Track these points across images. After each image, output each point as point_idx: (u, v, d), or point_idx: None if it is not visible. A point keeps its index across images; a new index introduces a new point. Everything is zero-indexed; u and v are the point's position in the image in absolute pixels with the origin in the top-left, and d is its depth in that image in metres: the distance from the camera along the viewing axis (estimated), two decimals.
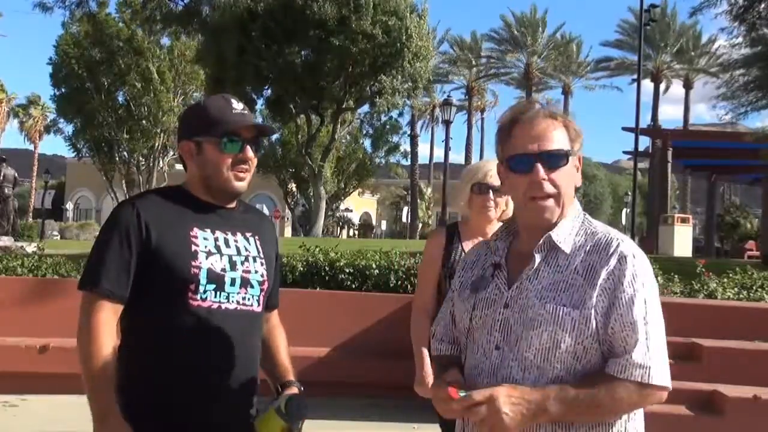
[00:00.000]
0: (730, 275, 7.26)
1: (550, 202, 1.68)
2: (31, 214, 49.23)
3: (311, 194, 31.08)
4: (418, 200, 50.12)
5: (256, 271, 2.04)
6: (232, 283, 1.97)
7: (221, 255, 1.97)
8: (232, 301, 1.97)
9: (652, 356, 1.57)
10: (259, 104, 28.69)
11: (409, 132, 38.71)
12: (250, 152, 2.01)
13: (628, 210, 34.98)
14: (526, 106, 1.74)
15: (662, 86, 50.23)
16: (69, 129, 38.54)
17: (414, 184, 49.95)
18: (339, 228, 49.85)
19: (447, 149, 22.74)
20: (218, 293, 1.94)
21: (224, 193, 2.03)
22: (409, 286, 6.81)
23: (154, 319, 1.92)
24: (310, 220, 30.01)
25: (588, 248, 1.66)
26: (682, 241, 22.52)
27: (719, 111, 14.30)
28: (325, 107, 27.93)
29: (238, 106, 2.03)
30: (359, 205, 58.05)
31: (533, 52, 49.63)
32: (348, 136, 33.93)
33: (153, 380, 1.91)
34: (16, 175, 17.24)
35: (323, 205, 29.86)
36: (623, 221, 45.38)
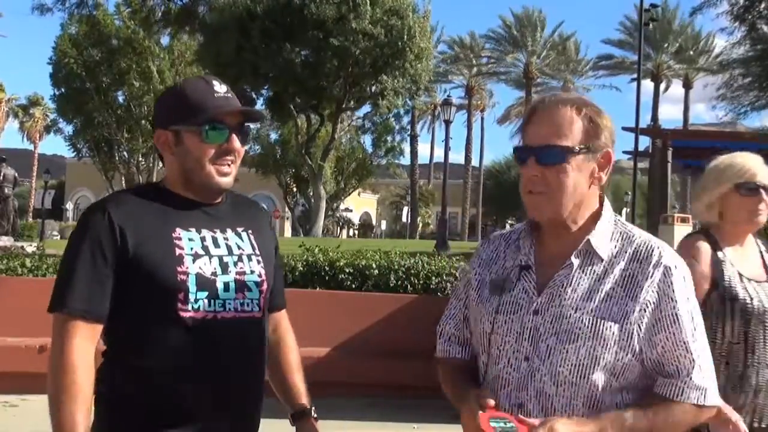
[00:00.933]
0: None
1: (541, 198, 1.57)
2: (31, 214, 49.23)
3: (311, 194, 31.10)
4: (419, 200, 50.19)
5: (253, 271, 1.80)
6: (226, 288, 1.73)
7: (210, 257, 1.74)
8: (229, 309, 1.73)
9: (705, 376, 1.51)
10: (259, 104, 28.75)
11: (408, 132, 38.63)
12: (236, 142, 1.76)
13: (628, 210, 34.96)
14: (549, 95, 1.63)
15: (662, 86, 50.30)
16: (69, 129, 38.62)
17: (414, 184, 49.99)
18: (339, 228, 49.86)
19: (447, 149, 22.73)
20: (212, 301, 1.71)
21: (207, 190, 1.78)
22: (408, 286, 6.81)
23: (140, 337, 1.68)
24: (310, 220, 30.05)
25: (627, 256, 1.55)
26: None
27: (719, 111, 14.31)
28: (324, 107, 27.93)
29: (220, 88, 1.78)
30: (359, 204, 58.06)
31: (532, 51, 49.72)
32: (347, 135, 33.88)
33: (145, 405, 1.68)
34: (16, 175, 17.25)
35: (323, 204, 29.88)
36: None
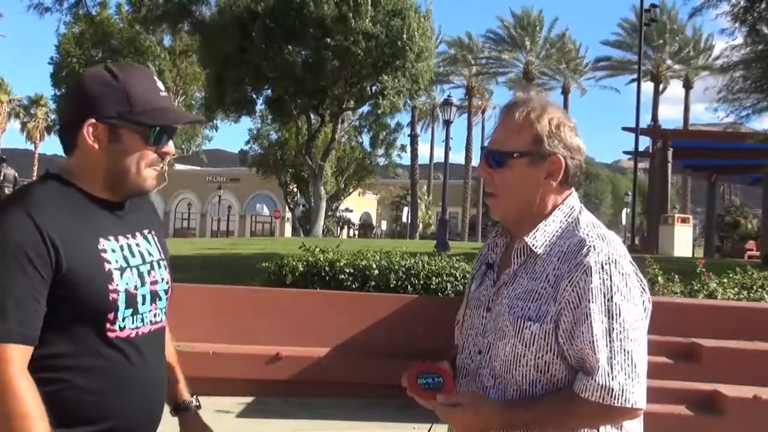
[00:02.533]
0: (731, 275, 7.26)
1: (491, 199, 1.67)
2: None
3: (311, 194, 31.08)
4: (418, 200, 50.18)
5: (162, 279, 1.69)
6: (143, 301, 1.61)
7: (131, 268, 1.60)
8: (146, 323, 1.62)
9: (616, 376, 1.48)
10: (260, 104, 28.76)
11: (404, 128, 38.62)
12: (172, 147, 1.67)
13: (629, 210, 34.99)
14: (515, 98, 1.68)
15: (662, 86, 50.28)
16: None
17: (414, 184, 49.99)
18: (339, 228, 49.83)
19: (447, 149, 22.64)
20: (134, 318, 1.59)
21: (135, 192, 1.65)
22: (409, 287, 6.81)
23: (65, 362, 1.51)
24: (310, 220, 30.01)
25: (562, 254, 1.57)
26: (683, 240, 22.53)
27: (720, 113, 14.29)
28: (325, 107, 27.92)
29: (161, 86, 1.65)
30: (359, 204, 58.02)
31: (531, 52, 49.80)
32: (346, 135, 33.88)
33: (69, 425, 1.52)
34: (16, 175, 17.24)
35: (323, 205, 29.83)
36: (623, 221, 45.39)
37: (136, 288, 1.59)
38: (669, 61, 49.00)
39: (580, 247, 1.54)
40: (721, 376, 5.42)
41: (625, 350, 1.49)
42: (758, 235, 27.77)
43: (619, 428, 1.60)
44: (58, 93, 36.62)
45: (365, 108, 29.88)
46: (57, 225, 1.49)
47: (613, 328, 1.50)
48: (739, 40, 12.62)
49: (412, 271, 6.89)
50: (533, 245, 1.60)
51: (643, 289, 1.60)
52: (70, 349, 1.52)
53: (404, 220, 57.15)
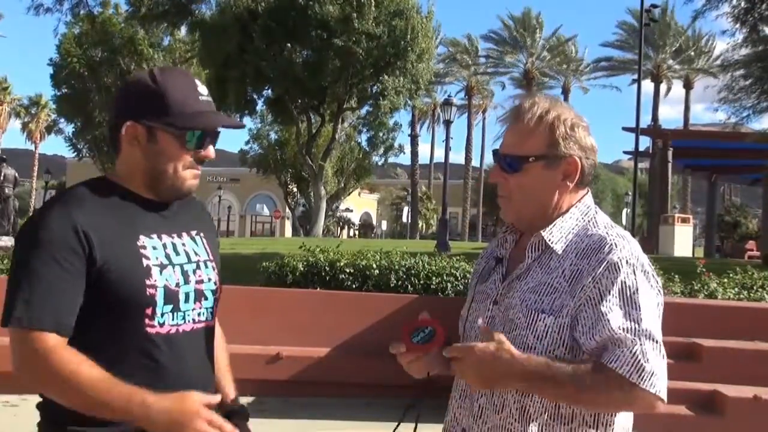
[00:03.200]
0: (731, 275, 7.27)
1: (504, 202, 1.66)
2: (31, 213, 49.19)
3: (311, 194, 31.09)
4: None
5: (209, 279, 1.70)
6: (186, 299, 1.63)
7: (173, 266, 1.62)
8: (188, 321, 1.63)
9: (649, 360, 1.45)
10: (260, 105, 28.75)
11: (406, 132, 38.67)
12: (212, 151, 1.68)
13: (629, 210, 34.98)
14: (525, 101, 1.65)
15: (663, 86, 50.31)
16: (69, 129, 38.66)
17: (414, 184, 50.01)
18: (339, 228, 49.86)
19: (447, 149, 22.65)
20: (175, 314, 1.60)
21: (173, 194, 1.67)
22: (409, 287, 6.81)
23: (102, 356, 1.51)
24: (311, 220, 30.02)
25: (580, 251, 1.56)
26: (683, 241, 22.54)
27: (721, 114, 14.31)
28: (325, 107, 27.93)
29: (203, 90, 1.67)
30: (359, 205, 58.04)
31: (532, 53, 49.97)
32: (345, 135, 33.88)
33: (98, 420, 1.51)
34: (17, 175, 17.27)
35: (323, 205, 29.85)
36: (624, 221, 45.39)
37: (177, 285, 1.61)
38: (670, 61, 49.02)
39: (602, 245, 1.53)
40: (721, 376, 5.42)
41: (654, 340, 1.47)
42: (758, 235, 27.80)
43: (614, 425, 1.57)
44: (58, 93, 36.60)
45: (365, 108, 29.88)
46: (94, 221, 1.54)
47: (642, 319, 1.47)
48: (740, 40, 12.64)
49: (413, 271, 6.89)
50: (549, 240, 1.59)
51: (659, 291, 1.57)
52: (109, 342, 1.55)
53: (404, 220, 57.18)
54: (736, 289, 6.88)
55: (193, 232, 1.73)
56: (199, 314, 1.67)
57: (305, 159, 28.74)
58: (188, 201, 1.77)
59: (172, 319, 1.60)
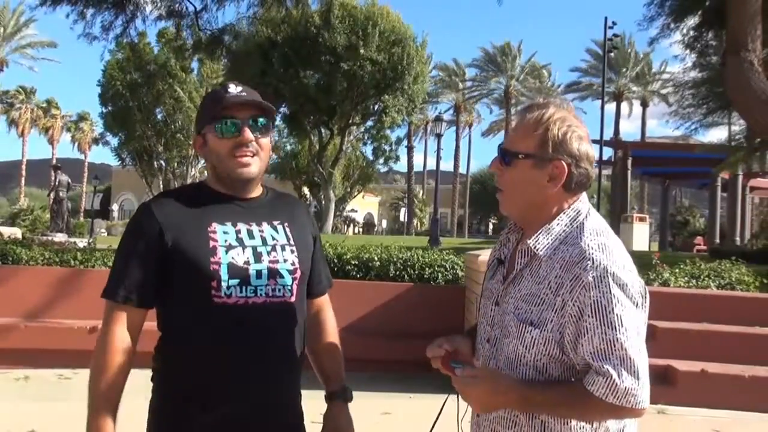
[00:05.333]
0: (681, 266, 7.25)
1: (500, 194, 1.54)
2: (82, 214, 49.26)
3: (322, 197, 31.10)
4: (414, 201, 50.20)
5: (286, 260, 1.70)
6: (258, 275, 1.65)
7: (244, 247, 1.66)
8: (261, 294, 1.65)
9: (623, 381, 1.33)
10: (278, 120, 28.70)
11: (401, 141, 38.61)
12: (248, 133, 1.65)
13: None
14: (535, 102, 1.54)
15: (624, 105, 50.41)
16: (114, 141, 38.57)
17: (410, 189, 50.04)
18: (346, 226, 49.76)
19: (438, 158, 22.77)
20: (244, 288, 1.63)
21: (234, 182, 1.69)
22: (405, 276, 6.80)
23: (182, 321, 1.64)
24: (321, 220, 29.99)
25: (564, 262, 1.40)
26: (640, 237, 22.55)
27: (672, 128, 14.35)
28: (334, 122, 27.94)
29: (235, 89, 1.69)
30: (363, 206, 57.94)
31: (511, 76, 50.13)
32: (350, 146, 33.89)
33: (190, 381, 1.62)
34: (70, 180, 17.28)
35: (332, 206, 29.85)
36: None
37: (247, 263, 1.64)
38: (630, 84, 49.15)
39: (580, 259, 1.38)
40: (673, 353, 5.43)
41: (629, 358, 1.34)
42: (705, 231, 27.74)
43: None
44: (105, 110, 36.52)
45: (369, 123, 29.90)
46: (171, 214, 1.65)
47: (617, 339, 1.34)
48: (689, 64, 12.66)
49: (409, 263, 6.88)
50: (535, 248, 1.45)
51: (642, 295, 1.42)
52: (184, 307, 1.64)
53: (402, 219, 57.13)
54: (686, 278, 6.86)
55: (276, 222, 1.75)
56: (274, 290, 1.67)
57: (317, 167, 28.75)
58: (284, 199, 1.85)
59: (241, 292, 1.63)
